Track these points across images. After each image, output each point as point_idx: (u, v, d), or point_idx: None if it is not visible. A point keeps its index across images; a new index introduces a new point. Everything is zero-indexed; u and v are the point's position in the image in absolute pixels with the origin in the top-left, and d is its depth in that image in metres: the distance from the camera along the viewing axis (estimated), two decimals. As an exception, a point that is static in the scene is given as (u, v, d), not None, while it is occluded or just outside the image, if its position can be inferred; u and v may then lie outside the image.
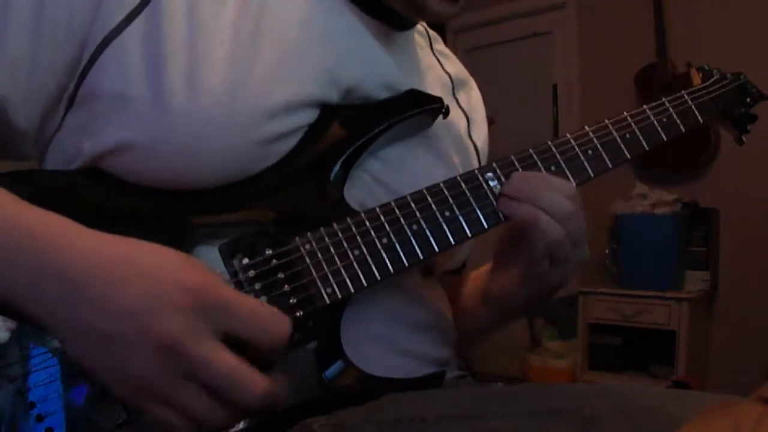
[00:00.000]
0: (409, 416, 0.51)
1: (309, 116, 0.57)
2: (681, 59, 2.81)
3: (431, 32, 0.79)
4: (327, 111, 0.58)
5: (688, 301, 2.60)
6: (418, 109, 0.62)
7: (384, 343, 0.61)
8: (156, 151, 0.52)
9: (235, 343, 0.42)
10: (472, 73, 0.83)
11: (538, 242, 0.59)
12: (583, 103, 3.20)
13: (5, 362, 0.45)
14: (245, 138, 0.53)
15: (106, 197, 0.54)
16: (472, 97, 0.80)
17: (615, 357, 2.80)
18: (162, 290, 0.41)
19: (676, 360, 2.60)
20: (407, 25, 0.69)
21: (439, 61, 0.77)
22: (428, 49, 0.77)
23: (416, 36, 0.75)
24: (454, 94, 0.76)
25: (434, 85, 0.73)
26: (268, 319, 0.43)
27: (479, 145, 0.77)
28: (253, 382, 0.41)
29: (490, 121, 0.82)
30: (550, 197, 0.59)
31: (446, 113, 0.64)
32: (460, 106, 0.76)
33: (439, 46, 0.80)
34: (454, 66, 0.80)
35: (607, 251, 2.89)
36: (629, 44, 2.99)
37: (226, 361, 0.41)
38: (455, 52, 0.83)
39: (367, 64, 0.62)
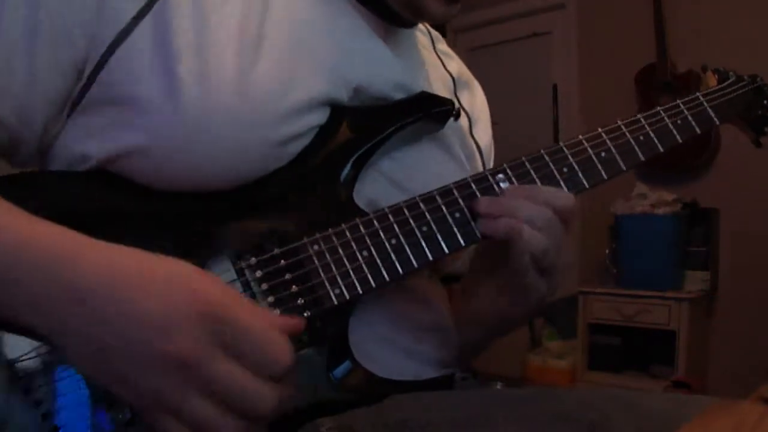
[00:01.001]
0: (417, 419, 0.51)
1: (320, 116, 0.57)
2: (681, 59, 2.81)
3: (433, 32, 0.79)
4: (338, 112, 0.58)
5: (688, 301, 2.60)
6: (429, 112, 0.61)
7: (388, 343, 0.61)
8: (169, 151, 0.51)
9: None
10: (473, 73, 0.82)
11: (522, 254, 0.56)
12: (583, 103, 3.20)
13: (32, 386, 0.45)
14: (258, 139, 0.53)
15: (117, 201, 0.53)
16: (477, 98, 0.80)
17: (615, 357, 2.80)
18: (174, 307, 0.40)
19: (676, 360, 2.60)
20: (409, 23, 0.69)
21: (441, 60, 0.77)
22: (431, 48, 0.77)
23: (419, 35, 0.75)
24: (455, 93, 0.76)
25: (436, 83, 0.73)
26: (276, 347, 0.42)
27: (482, 144, 0.76)
28: (265, 394, 0.41)
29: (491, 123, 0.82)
30: (528, 207, 0.56)
31: (457, 115, 0.64)
32: (461, 106, 0.76)
33: (442, 45, 0.80)
34: (457, 66, 0.80)
35: (607, 251, 2.90)
36: (629, 44, 2.99)
37: (239, 376, 0.41)
38: (455, 52, 0.83)
39: (374, 62, 0.62)
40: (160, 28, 0.52)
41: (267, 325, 0.42)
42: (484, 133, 0.78)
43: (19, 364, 0.45)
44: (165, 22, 0.53)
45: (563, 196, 0.58)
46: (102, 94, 0.53)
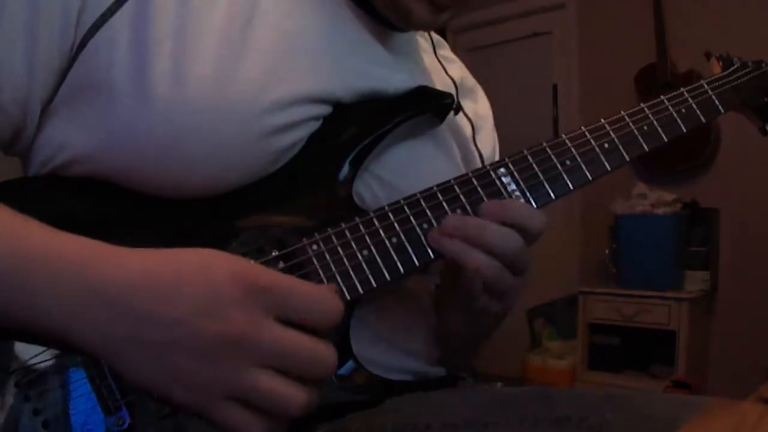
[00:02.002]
0: (413, 423, 0.51)
1: (306, 111, 0.55)
2: (681, 59, 2.81)
3: (435, 36, 0.77)
4: (335, 109, 0.57)
5: (688, 301, 2.60)
6: (430, 106, 0.60)
7: (384, 342, 0.60)
8: (143, 147, 0.50)
9: (292, 325, 0.41)
10: (472, 73, 0.81)
11: (473, 280, 0.53)
12: (583, 103, 3.20)
13: (31, 393, 0.44)
14: (236, 131, 0.51)
15: (108, 208, 0.52)
16: (480, 106, 0.78)
17: (615, 357, 2.80)
18: (216, 287, 0.39)
19: (676, 360, 2.60)
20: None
21: (442, 65, 0.75)
22: (431, 53, 0.75)
23: (419, 39, 0.74)
24: (458, 99, 0.75)
25: (438, 87, 0.72)
26: (320, 297, 0.42)
27: (485, 153, 0.74)
28: (328, 351, 0.41)
29: None
30: (494, 232, 0.53)
31: (457, 109, 0.62)
32: (464, 113, 0.74)
33: (444, 51, 0.78)
34: (460, 72, 0.78)
35: (607, 251, 2.90)
36: (629, 44, 2.99)
37: (297, 337, 0.40)
38: (455, 53, 0.81)
39: (369, 61, 0.60)
40: (140, 14, 0.51)
41: (308, 284, 0.42)
42: (487, 140, 0.76)
43: (21, 371, 0.44)
44: (146, 7, 0.52)
45: (539, 217, 0.55)
46: (79, 80, 0.52)
